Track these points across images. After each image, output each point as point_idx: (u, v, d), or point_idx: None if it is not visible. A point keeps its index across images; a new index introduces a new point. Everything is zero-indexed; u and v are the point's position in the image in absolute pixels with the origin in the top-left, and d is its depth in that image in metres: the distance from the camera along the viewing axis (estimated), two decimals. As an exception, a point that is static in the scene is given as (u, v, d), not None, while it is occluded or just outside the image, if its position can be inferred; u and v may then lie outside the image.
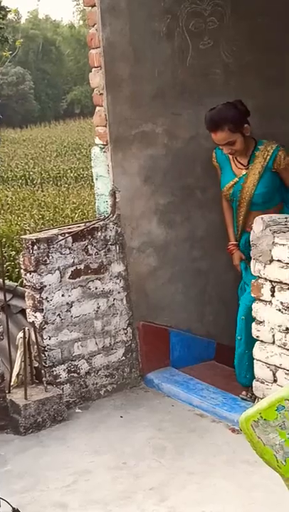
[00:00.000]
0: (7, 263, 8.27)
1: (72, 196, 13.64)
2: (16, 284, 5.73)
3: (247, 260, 4.25)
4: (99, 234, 4.42)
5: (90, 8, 4.32)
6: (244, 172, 4.21)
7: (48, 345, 4.26)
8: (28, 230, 9.93)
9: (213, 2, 4.59)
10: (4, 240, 9.10)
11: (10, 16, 39.84)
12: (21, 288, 5.12)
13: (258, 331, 3.64)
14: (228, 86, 4.66)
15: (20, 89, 41.06)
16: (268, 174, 4.15)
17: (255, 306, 3.63)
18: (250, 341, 3.80)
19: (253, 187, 4.17)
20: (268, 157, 4.14)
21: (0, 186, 16.19)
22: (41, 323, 4.24)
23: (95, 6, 4.26)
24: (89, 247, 4.38)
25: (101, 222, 4.45)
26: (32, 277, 4.23)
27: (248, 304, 3.85)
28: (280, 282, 3.44)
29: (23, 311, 4.97)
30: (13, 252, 8.98)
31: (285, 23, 4.87)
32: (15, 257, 8.54)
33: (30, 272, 4.23)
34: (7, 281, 5.47)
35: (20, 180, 17.00)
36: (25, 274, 4.29)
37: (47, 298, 4.24)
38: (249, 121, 4.15)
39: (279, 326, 3.49)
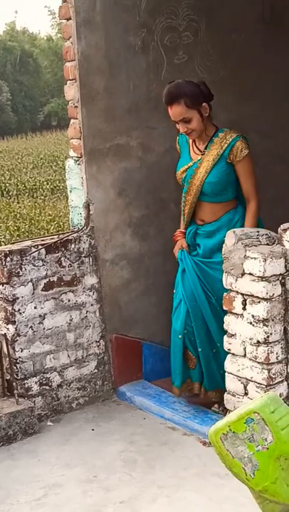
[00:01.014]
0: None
1: (48, 208, 13.60)
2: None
3: (189, 251, 4.23)
4: (72, 246, 4.42)
5: (65, 21, 4.34)
6: (199, 157, 4.08)
7: (19, 357, 4.24)
8: (3, 241, 9.87)
9: (188, 17, 4.63)
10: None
11: (-13, 28, 39.91)
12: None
13: (230, 343, 3.65)
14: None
15: (-3, 100, 41.02)
16: (223, 164, 4.00)
17: (227, 318, 3.65)
18: None
19: (205, 174, 4.02)
20: (225, 145, 3.99)
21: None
22: (13, 335, 4.21)
23: (70, 19, 4.28)
24: (62, 259, 4.37)
25: (75, 235, 4.44)
26: (4, 289, 4.21)
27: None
28: (252, 295, 3.46)
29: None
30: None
31: (258, 40, 4.93)
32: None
33: (2, 284, 4.21)
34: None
35: (-5, 192, 16.92)
36: (-2, 286, 4.27)
37: (19, 310, 4.22)
38: (211, 105, 4.03)
39: (250, 339, 3.51)
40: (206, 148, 4.06)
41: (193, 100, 3.93)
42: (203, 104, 3.97)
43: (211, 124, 4.09)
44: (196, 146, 4.12)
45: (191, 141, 4.15)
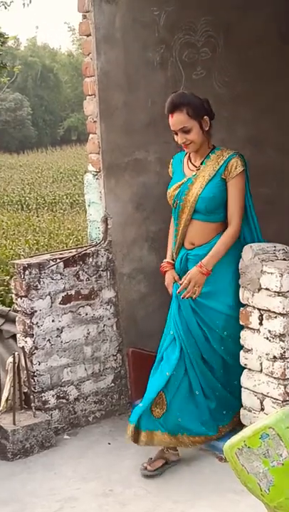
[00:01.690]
0: (0, 288, 8.26)
1: (67, 222, 13.65)
2: (8, 309, 5.72)
3: (180, 281, 3.99)
4: (90, 260, 4.44)
5: (85, 37, 4.38)
6: (194, 173, 3.96)
7: (37, 370, 4.26)
8: (22, 255, 9.90)
9: (206, 33, 4.67)
10: (-2, 265, 9.12)
11: (9, 43, 40.24)
12: (14, 313, 5.11)
13: (246, 359, 3.64)
14: (219, 116, 4.65)
15: (18, 115, 41.29)
16: (218, 180, 3.88)
17: (243, 333, 3.64)
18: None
19: (200, 189, 3.88)
20: (222, 161, 3.89)
21: (-4, 211, 16.21)
22: (31, 348, 4.24)
23: (90, 35, 4.33)
24: (80, 272, 4.40)
25: (92, 248, 4.47)
26: (23, 302, 4.24)
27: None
28: (268, 310, 3.46)
29: (14, 336, 4.97)
30: (7, 277, 8.98)
31: (275, 54, 4.95)
32: (9, 282, 8.52)
33: (21, 297, 4.24)
34: (0, 306, 5.47)
35: (16, 206, 17.01)
36: (17, 299, 4.30)
37: (37, 323, 4.24)
38: (212, 123, 3.95)
39: (267, 354, 3.50)
40: (202, 163, 3.96)
41: (195, 110, 3.86)
42: (205, 117, 3.90)
43: (210, 141, 3.99)
44: (192, 163, 4.02)
45: (186, 158, 4.05)
